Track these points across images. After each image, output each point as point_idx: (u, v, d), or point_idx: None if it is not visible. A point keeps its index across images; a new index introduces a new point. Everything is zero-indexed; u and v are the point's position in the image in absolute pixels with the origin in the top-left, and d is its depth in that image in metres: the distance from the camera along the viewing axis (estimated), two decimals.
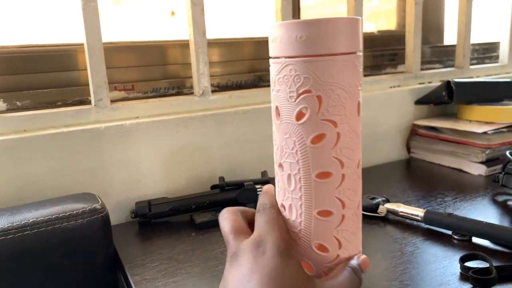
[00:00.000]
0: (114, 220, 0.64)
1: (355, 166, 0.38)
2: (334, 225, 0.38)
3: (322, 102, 0.36)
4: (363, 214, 0.63)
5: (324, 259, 0.38)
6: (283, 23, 0.36)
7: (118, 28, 0.78)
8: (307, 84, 0.36)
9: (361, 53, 0.38)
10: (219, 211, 0.65)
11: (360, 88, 0.38)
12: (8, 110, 0.68)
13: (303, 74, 0.36)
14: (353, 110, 0.37)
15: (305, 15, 0.98)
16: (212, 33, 0.80)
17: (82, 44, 0.66)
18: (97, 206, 0.54)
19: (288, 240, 0.38)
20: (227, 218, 0.40)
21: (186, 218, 0.66)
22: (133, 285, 0.49)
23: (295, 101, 0.36)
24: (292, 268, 0.35)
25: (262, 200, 0.41)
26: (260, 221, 0.38)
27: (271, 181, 0.70)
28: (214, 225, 0.63)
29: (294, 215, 0.39)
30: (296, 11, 0.94)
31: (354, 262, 0.38)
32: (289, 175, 0.38)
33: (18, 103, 0.69)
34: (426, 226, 0.59)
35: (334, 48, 0.35)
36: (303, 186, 0.37)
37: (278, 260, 0.34)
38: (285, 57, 0.36)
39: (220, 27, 0.86)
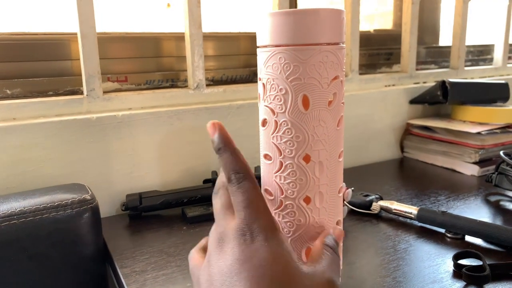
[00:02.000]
0: (104, 212, 0.63)
1: (296, 158, 0.38)
2: (273, 206, 0.39)
3: (265, 88, 0.38)
4: (356, 211, 0.63)
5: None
6: (272, 12, 0.36)
7: (113, 18, 0.77)
8: None
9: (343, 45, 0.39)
10: (211, 205, 0.65)
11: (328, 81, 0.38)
12: None
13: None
14: (292, 103, 0.37)
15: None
16: (208, 27, 0.79)
17: (76, 34, 0.65)
18: (87, 196, 0.53)
19: (274, 220, 0.35)
20: (219, 194, 0.37)
21: (177, 212, 0.66)
22: (122, 277, 0.48)
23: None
24: (281, 257, 0.33)
25: (231, 164, 0.35)
26: (239, 200, 0.34)
27: None
28: (206, 219, 0.62)
29: None
30: (293, 5, 0.93)
31: (329, 240, 0.37)
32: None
33: (8, 91, 0.68)
34: (420, 224, 0.59)
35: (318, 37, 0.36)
36: (261, 164, 0.41)
37: (266, 249, 0.32)
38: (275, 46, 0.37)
39: (216, 21, 0.85)
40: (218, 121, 0.38)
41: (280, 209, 0.39)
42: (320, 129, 0.38)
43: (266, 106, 0.38)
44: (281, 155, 0.38)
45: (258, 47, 0.39)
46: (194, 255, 0.37)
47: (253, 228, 0.33)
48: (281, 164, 0.38)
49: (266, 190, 0.40)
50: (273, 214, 0.38)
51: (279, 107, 0.37)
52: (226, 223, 0.34)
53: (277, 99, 0.37)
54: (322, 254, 0.36)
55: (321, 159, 0.38)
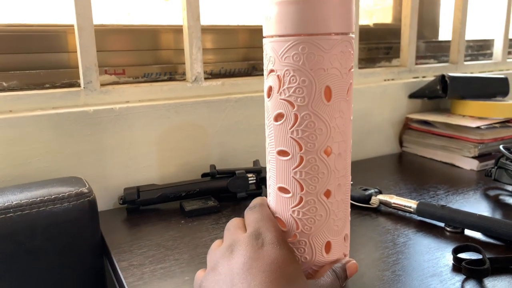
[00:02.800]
0: (101, 206, 0.63)
1: (318, 151, 0.37)
2: (291, 205, 0.39)
3: (282, 81, 0.36)
4: (355, 205, 0.63)
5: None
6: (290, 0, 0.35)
7: (110, 10, 0.76)
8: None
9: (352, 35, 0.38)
10: (210, 199, 0.65)
11: (342, 72, 0.37)
12: None
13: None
14: (315, 94, 0.36)
15: None
16: (206, 20, 0.78)
17: (73, 25, 0.64)
18: (84, 190, 0.53)
19: (284, 235, 0.38)
20: (233, 220, 0.41)
21: (175, 206, 0.65)
22: (119, 270, 0.48)
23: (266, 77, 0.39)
24: (290, 261, 0.35)
25: (254, 201, 0.42)
26: (254, 217, 0.39)
27: (263, 170, 0.69)
28: (204, 213, 0.62)
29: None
30: None
31: (338, 265, 0.39)
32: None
33: (5, 84, 0.67)
34: (419, 218, 0.59)
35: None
36: (270, 161, 0.40)
37: (278, 251, 0.34)
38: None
39: (215, 13, 0.84)
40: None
41: (299, 206, 0.38)
42: (340, 120, 0.37)
43: (284, 99, 0.36)
44: (301, 149, 0.36)
45: (268, 36, 0.37)
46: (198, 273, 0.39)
47: (264, 235, 0.36)
48: (302, 159, 0.37)
49: (281, 188, 0.39)
50: (290, 214, 0.38)
51: (301, 99, 0.36)
52: (236, 236, 0.37)
53: (298, 91, 0.36)
54: (325, 274, 0.37)
55: (340, 151, 0.38)
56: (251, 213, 0.39)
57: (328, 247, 0.39)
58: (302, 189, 0.37)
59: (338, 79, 0.36)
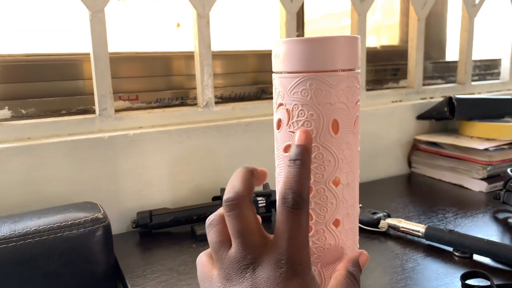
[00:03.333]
0: (115, 229, 0.64)
1: (327, 182, 0.38)
2: None
3: (291, 114, 0.38)
4: (364, 229, 0.64)
5: None
6: (299, 39, 0.37)
7: (124, 38, 0.79)
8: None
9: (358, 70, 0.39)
10: None
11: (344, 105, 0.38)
12: (12, 118, 0.69)
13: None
14: (323, 127, 0.37)
15: (308, 29, 0.99)
16: (216, 45, 0.80)
17: (87, 54, 0.67)
18: (99, 215, 0.54)
19: (310, 255, 0.32)
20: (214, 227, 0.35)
21: (187, 229, 0.66)
22: None
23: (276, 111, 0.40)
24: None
25: (295, 182, 0.32)
26: (285, 228, 0.31)
27: (272, 193, 0.70)
28: None
29: None
30: (300, 25, 0.95)
31: (351, 265, 0.36)
32: None
33: (23, 111, 0.69)
34: (427, 242, 0.59)
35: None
36: (278, 190, 0.40)
37: (301, 286, 0.30)
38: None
39: (224, 39, 0.87)
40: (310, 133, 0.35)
41: (309, 235, 0.38)
42: (347, 151, 0.38)
43: (292, 131, 0.38)
44: (310, 180, 0.37)
45: (277, 72, 0.39)
46: (203, 260, 0.35)
47: (293, 262, 0.30)
48: (311, 189, 0.38)
49: None
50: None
51: None
52: (258, 249, 0.31)
53: (307, 124, 0.37)
54: (345, 281, 0.34)
55: (348, 181, 0.39)
56: (288, 217, 0.31)
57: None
58: (311, 218, 0.39)
59: (345, 113, 0.38)
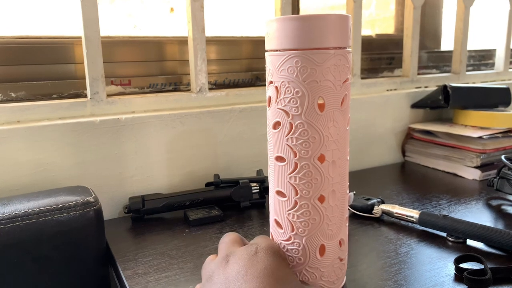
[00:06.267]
0: (107, 215, 0.64)
1: (312, 158, 0.39)
2: (287, 208, 0.40)
3: (279, 91, 0.38)
4: (358, 215, 0.64)
5: (280, 236, 0.41)
6: (286, 17, 0.37)
7: (117, 22, 0.78)
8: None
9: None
10: (214, 208, 0.66)
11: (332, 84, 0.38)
12: (2, 101, 0.67)
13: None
14: (308, 104, 0.38)
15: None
16: (211, 31, 0.79)
17: (79, 37, 0.65)
18: (90, 199, 0.53)
19: (276, 244, 0.40)
20: (228, 234, 0.43)
21: (180, 215, 0.66)
22: (124, 279, 0.48)
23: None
24: (283, 266, 0.36)
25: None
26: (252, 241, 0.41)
27: (266, 179, 0.69)
28: (208, 222, 0.63)
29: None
30: (295, 13, 0.94)
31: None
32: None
33: (13, 94, 0.68)
34: (421, 227, 0.59)
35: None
36: (270, 165, 0.41)
37: (271, 258, 0.36)
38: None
39: (219, 25, 0.86)
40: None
41: (294, 209, 0.40)
42: (333, 129, 0.39)
43: (280, 108, 0.39)
44: (296, 156, 0.38)
45: (268, 51, 0.39)
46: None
47: (259, 244, 0.38)
48: (296, 165, 0.39)
49: (278, 192, 0.41)
50: (286, 216, 0.40)
51: (295, 109, 0.38)
52: (232, 248, 0.38)
53: (293, 101, 0.38)
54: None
55: (334, 159, 0.39)
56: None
57: (322, 250, 0.41)
58: (296, 193, 0.39)
59: (331, 91, 0.38)
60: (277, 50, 0.38)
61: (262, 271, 0.34)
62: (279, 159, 0.40)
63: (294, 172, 0.39)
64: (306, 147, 0.38)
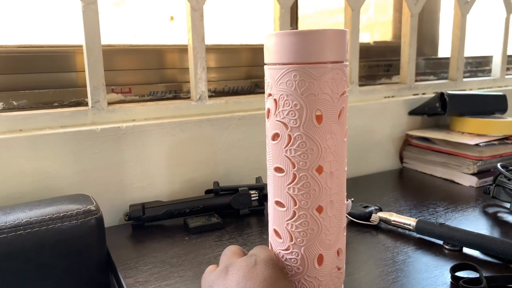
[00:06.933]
0: (107, 222, 0.64)
1: (310, 169, 0.39)
2: (285, 218, 0.41)
3: (277, 104, 0.39)
4: (356, 223, 0.64)
5: (279, 245, 0.42)
6: (286, 32, 0.38)
7: (117, 31, 0.79)
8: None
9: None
10: (213, 215, 0.66)
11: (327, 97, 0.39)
12: (4, 109, 0.68)
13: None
14: (306, 117, 0.38)
15: (302, 24, 0.99)
16: (210, 39, 0.80)
17: (80, 46, 0.66)
18: (92, 207, 0.54)
19: (275, 256, 0.41)
20: (230, 246, 0.43)
21: (179, 222, 0.66)
22: (125, 287, 0.49)
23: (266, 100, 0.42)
24: (281, 278, 0.37)
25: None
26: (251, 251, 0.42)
27: (265, 187, 0.70)
28: (208, 229, 0.63)
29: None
30: (294, 20, 0.95)
31: None
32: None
33: (15, 103, 0.69)
34: (418, 235, 0.60)
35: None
36: (269, 176, 0.42)
37: (270, 270, 0.37)
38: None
39: (218, 33, 0.87)
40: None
41: (293, 219, 0.40)
42: (331, 141, 0.39)
43: (279, 121, 0.39)
44: (294, 167, 0.39)
45: (267, 64, 0.40)
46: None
47: (258, 255, 0.39)
48: (295, 176, 0.40)
49: (277, 202, 0.41)
50: (285, 226, 0.41)
51: (293, 122, 0.39)
52: (232, 259, 0.39)
53: (291, 113, 0.39)
54: None
55: (332, 170, 0.40)
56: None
57: (320, 259, 0.41)
58: (295, 204, 0.40)
59: (329, 104, 0.39)
60: (276, 64, 0.39)
61: (261, 283, 0.35)
62: (278, 170, 0.41)
63: (293, 183, 0.40)
64: (304, 158, 0.39)
